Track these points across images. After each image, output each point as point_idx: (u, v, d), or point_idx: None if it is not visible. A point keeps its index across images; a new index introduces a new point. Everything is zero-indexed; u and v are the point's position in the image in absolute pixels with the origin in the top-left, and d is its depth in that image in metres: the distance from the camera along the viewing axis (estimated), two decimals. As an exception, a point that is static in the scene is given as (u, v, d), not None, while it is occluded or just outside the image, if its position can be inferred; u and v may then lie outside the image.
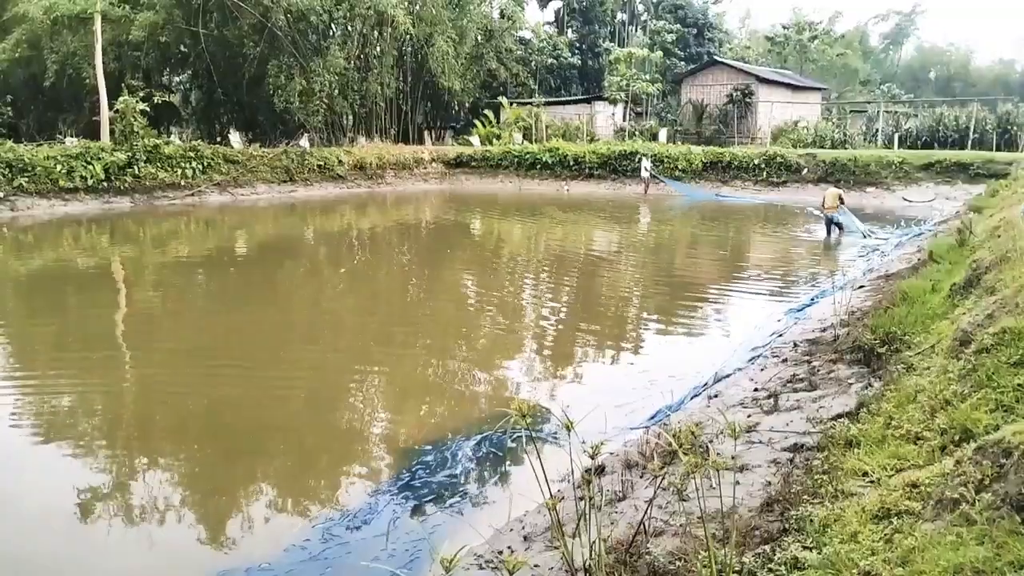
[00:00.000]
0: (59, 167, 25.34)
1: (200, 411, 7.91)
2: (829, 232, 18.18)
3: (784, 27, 58.77)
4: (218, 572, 4.93)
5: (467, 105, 45.34)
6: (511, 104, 42.45)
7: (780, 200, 28.79)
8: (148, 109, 27.92)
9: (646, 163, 31.62)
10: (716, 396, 7.21)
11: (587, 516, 3.44)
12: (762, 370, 7.94)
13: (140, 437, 7.36)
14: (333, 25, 37.31)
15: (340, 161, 33.66)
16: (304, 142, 34.84)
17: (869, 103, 47.18)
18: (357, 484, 6.27)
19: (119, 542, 5.45)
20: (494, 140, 39.74)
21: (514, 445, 6.65)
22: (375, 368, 9.58)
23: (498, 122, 41.98)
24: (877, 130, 36.80)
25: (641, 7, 57.29)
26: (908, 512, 3.30)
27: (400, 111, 41.78)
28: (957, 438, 4.00)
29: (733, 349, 9.35)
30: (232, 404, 8.12)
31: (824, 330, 9.14)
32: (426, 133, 44.97)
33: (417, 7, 38.50)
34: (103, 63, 30.80)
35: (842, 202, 18.21)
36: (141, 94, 28.00)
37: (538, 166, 35.18)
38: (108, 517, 5.77)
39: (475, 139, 39.96)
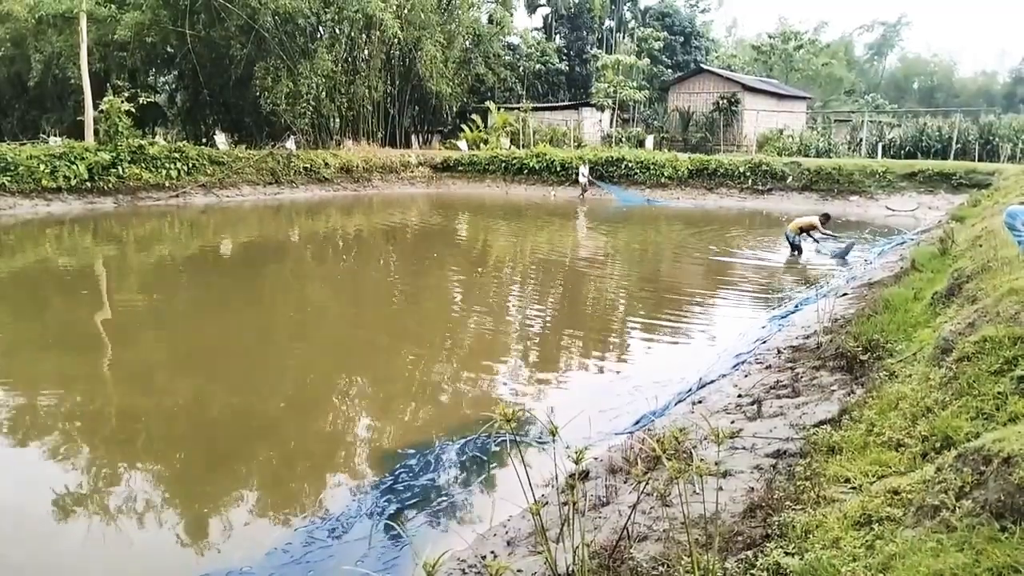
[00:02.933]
0: (42, 167, 25.11)
1: (181, 413, 7.85)
2: (793, 251, 17.50)
3: (770, 36, 59.31)
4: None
5: (455, 109, 45.34)
6: (499, 109, 42.49)
7: (732, 205, 29.05)
8: (133, 109, 27.73)
9: (583, 169, 33.42)
10: (700, 402, 7.23)
11: (571, 521, 3.43)
12: (746, 376, 7.97)
13: (119, 439, 7.28)
14: (321, 28, 37.20)
15: (326, 164, 33.55)
16: (290, 144, 34.71)
17: (853, 113, 47.57)
18: (340, 487, 6.23)
19: (96, 545, 5.40)
20: (482, 145, 39.77)
21: (498, 449, 6.65)
22: (359, 372, 9.55)
23: (486, 127, 42.01)
24: (861, 139, 37.10)
25: (628, 14, 57.51)
26: (889, 519, 3.32)
27: (387, 114, 41.71)
28: (938, 445, 4.03)
29: (717, 355, 9.39)
30: (214, 406, 8.07)
31: (807, 337, 9.18)
32: (413, 137, 44.94)
33: (406, 11, 38.49)
34: (88, 63, 30.58)
35: (803, 232, 17.28)
36: (126, 94, 27.79)
37: (525, 171, 35.22)
38: (85, 520, 5.71)
39: (463, 143, 39.95)
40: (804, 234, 17.45)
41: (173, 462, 6.81)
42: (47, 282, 15.22)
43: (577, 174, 33.65)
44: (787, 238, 17.60)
